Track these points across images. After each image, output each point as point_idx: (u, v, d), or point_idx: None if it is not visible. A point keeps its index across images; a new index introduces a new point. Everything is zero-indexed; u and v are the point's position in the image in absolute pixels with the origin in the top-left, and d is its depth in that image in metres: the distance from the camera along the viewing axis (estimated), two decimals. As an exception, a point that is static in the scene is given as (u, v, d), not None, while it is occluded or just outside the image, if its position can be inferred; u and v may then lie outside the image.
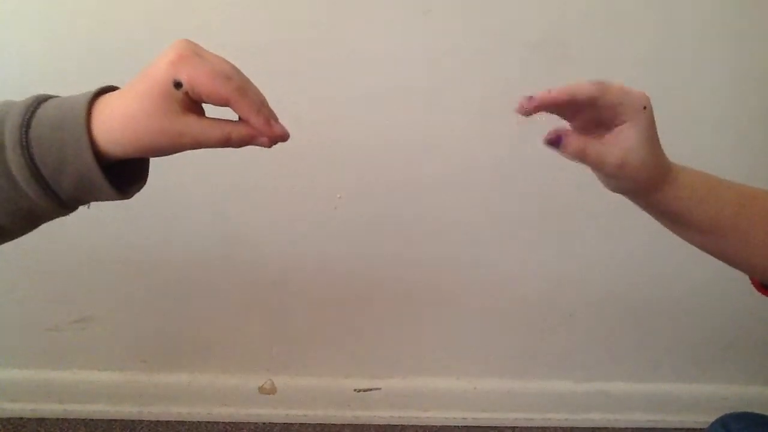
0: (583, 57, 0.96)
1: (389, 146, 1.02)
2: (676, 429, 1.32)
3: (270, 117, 0.44)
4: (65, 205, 0.43)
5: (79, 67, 0.91)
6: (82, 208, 0.45)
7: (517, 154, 1.03)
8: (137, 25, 0.90)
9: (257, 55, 0.91)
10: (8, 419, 1.21)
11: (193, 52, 0.41)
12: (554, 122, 0.48)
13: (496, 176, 1.06)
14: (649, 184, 0.49)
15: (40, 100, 0.42)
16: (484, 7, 0.92)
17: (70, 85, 0.49)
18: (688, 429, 1.31)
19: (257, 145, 0.44)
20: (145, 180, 0.47)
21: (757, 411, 0.72)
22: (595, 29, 0.94)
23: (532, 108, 0.45)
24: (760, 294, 0.60)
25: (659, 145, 0.49)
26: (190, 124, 0.42)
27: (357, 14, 0.91)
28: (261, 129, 0.43)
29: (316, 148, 1.01)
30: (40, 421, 1.22)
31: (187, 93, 0.41)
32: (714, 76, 0.99)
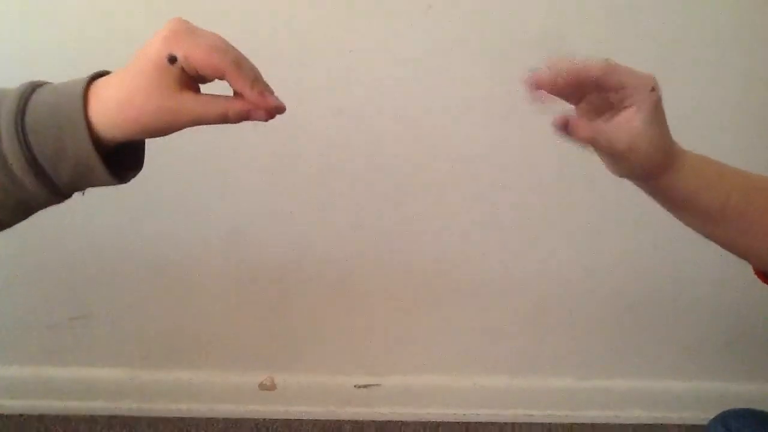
0: (585, 54, 0.95)
1: (390, 142, 1.02)
2: (676, 426, 1.32)
3: (265, 89, 0.44)
4: (61, 193, 0.43)
5: (72, 56, 0.91)
6: (77, 198, 0.45)
7: (518, 152, 1.02)
8: (135, 17, 0.90)
9: (256, 51, 0.90)
10: (8, 416, 1.22)
11: (187, 28, 0.41)
12: (561, 107, 0.48)
13: (496, 174, 1.05)
14: (658, 168, 0.49)
15: (35, 86, 0.42)
16: (486, 2, 0.92)
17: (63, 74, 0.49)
18: (688, 426, 1.31)
19: (255, 119, 0.44)
20: (141, 165, 0.47)
21: (757, 408, 0.72)
22: (597, 26, 0.94)
23: (537, 83, 0.45)
24: (762, 284, 0.59)
25: (667, 129, 0.49)
26: (187, 101, 0.42)
27: (358, 10, 0.91)
28: (256, 101, 0.43)
29: (315, 146, 1.01)
30: (40, 417, 1.22)
31: (182, 68, 0.41)
32: (717, 74, 0.99)
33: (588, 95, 0.47)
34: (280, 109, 0.44)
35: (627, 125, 0.46)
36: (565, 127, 0.46)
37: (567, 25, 0.94)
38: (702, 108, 1.01)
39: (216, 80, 0.43)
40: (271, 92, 0.44)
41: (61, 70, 0.47)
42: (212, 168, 1.02)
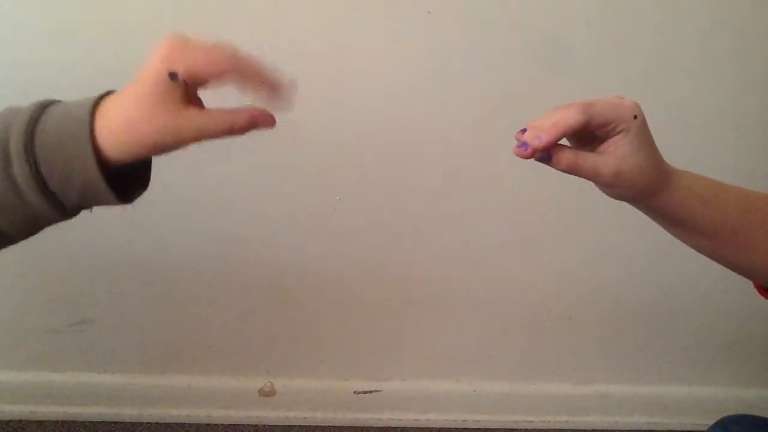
0: (585, 59, 0.96)
1: (389, 147, 1.02)
2: (676, 432, 1.32)
3: (275, 80, 0.43)
4: (68, 212, 0.43)
5: (79, 67, 0.92)
6: (83, 212, 0.45)
7: (517, 158, 1.02)
8: (136, 27, 0.90)
9: (257, 55, 0.91)
10: (8, 421, 1.21)
11: (183, 42, 0.41)
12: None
13: (496, 179, 1.06)
14: (649, 190, 0.50)
15: (44, 107, 0.42)
16: (487, 8, 0.92)
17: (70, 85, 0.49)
18: (688, 431, 1.31)
19: (261, 127, 0.44)
20: (147, 183, 0.47)
21: (756, 413, 0.72)
22: (597, 32, 0.95)
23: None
24: (763, 298, 0.60)
25: (656, 151, 0.49)
26: (192, 118, 0.42)
27: (359, 14, 0.91)
28: (273, 84, 0.43)
29: (315, 150, 1.01)
30: (40, 423, 1.22)
31: (185, 84, 0.41)
32: (716, 79, 0.99)
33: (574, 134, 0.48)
34: (287, 102, 0.44)
35: (612, 151, 0.47)
36: (548, 157, 0.47)
37: (567, 32, 0.94)
38: (701, 111, 1.01)
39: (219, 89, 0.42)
40: (281, 81, 0.44)
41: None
42: (211, 174, 1.02)
